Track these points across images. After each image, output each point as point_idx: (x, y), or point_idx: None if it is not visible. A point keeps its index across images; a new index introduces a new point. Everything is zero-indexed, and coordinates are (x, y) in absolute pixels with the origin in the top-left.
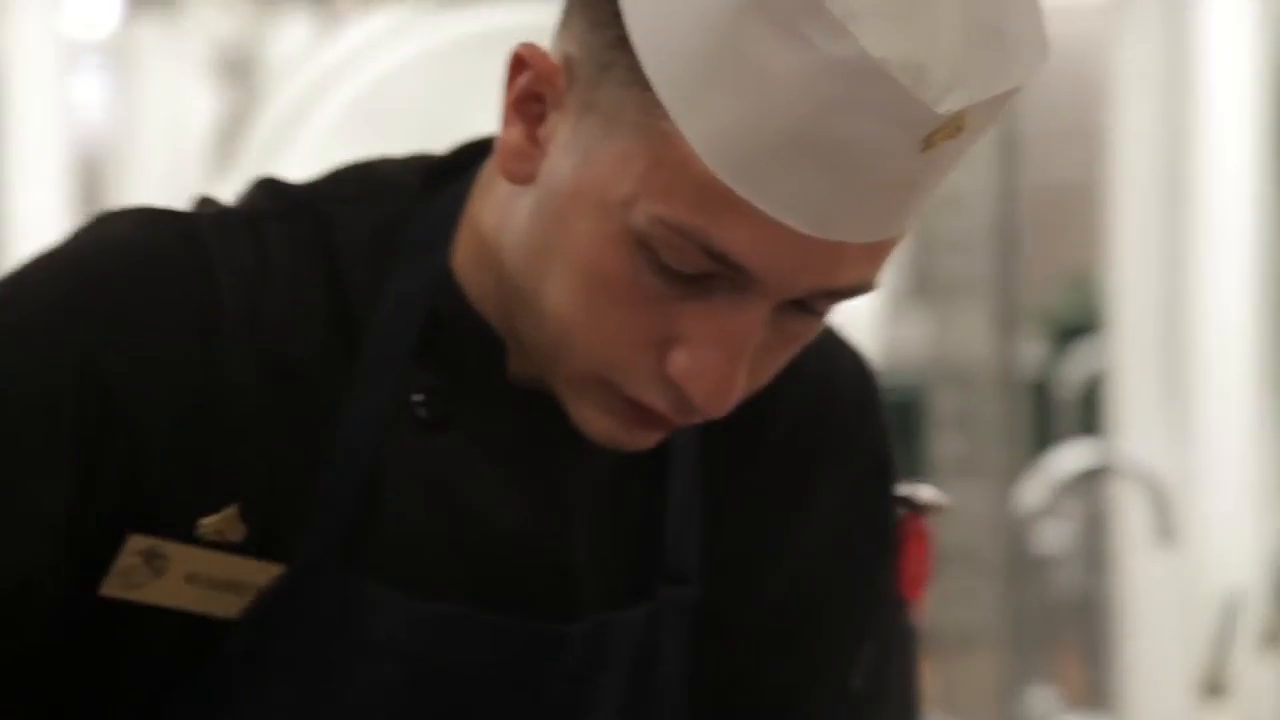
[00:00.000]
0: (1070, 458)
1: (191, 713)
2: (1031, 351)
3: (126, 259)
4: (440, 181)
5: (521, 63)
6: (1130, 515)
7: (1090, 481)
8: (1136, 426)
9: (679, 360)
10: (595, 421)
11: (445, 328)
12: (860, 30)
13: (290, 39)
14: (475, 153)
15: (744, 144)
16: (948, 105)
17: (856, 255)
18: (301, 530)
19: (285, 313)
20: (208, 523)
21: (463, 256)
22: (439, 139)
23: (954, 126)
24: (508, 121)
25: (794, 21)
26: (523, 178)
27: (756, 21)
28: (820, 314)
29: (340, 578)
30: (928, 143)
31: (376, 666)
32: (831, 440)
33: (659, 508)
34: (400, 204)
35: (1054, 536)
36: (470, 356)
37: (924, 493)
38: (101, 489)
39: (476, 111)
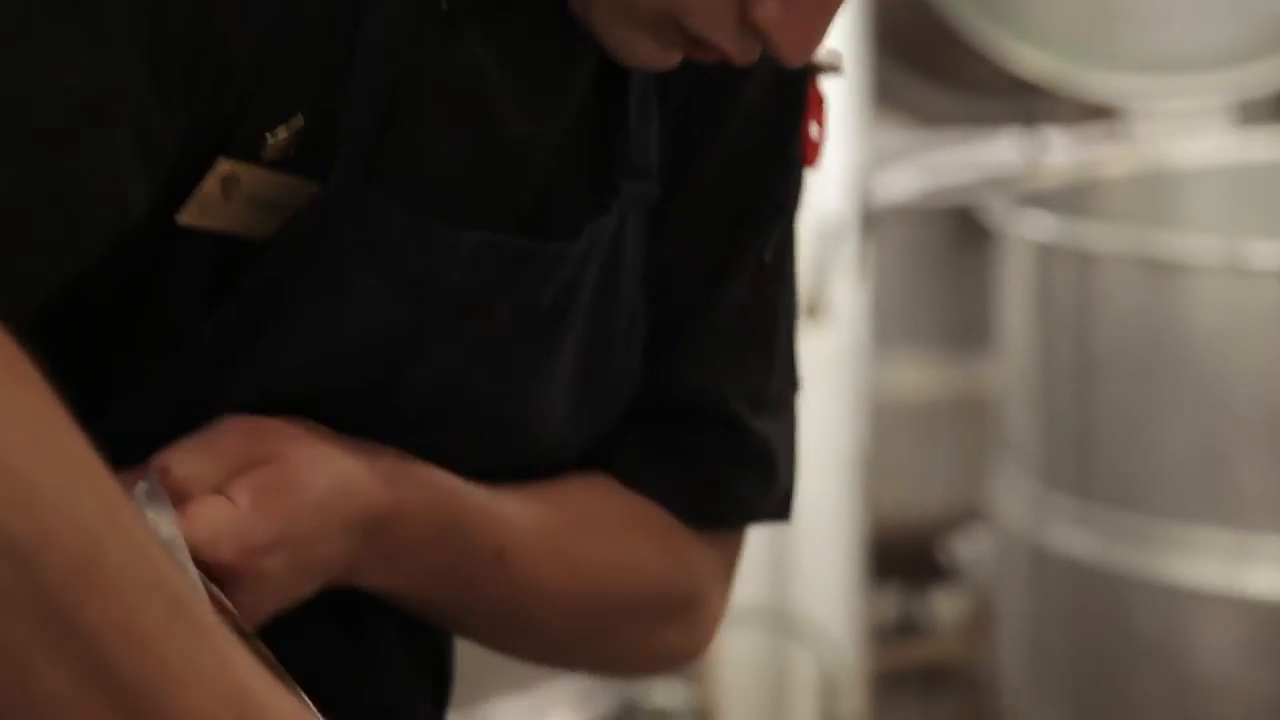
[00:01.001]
0: None
1: (216, 341)
2: None
3: None
4: None
5: None
6: None
7: None
8: None
9: (771, 9)
10: (637, 46)
11: None
12: None
13: None
14: None
15: None
16: None
17: None
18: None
19: None
20: (273, 141)
21: None
22: None
23: None
24: None
25: None
26: None
27: None
28: None
29: (364, 197)
30: None
31: (394, 286)
32: None
33: (619, 103)
34: None
35: None
36: None
37: (819, 53)
38: (197, 104)
39: None
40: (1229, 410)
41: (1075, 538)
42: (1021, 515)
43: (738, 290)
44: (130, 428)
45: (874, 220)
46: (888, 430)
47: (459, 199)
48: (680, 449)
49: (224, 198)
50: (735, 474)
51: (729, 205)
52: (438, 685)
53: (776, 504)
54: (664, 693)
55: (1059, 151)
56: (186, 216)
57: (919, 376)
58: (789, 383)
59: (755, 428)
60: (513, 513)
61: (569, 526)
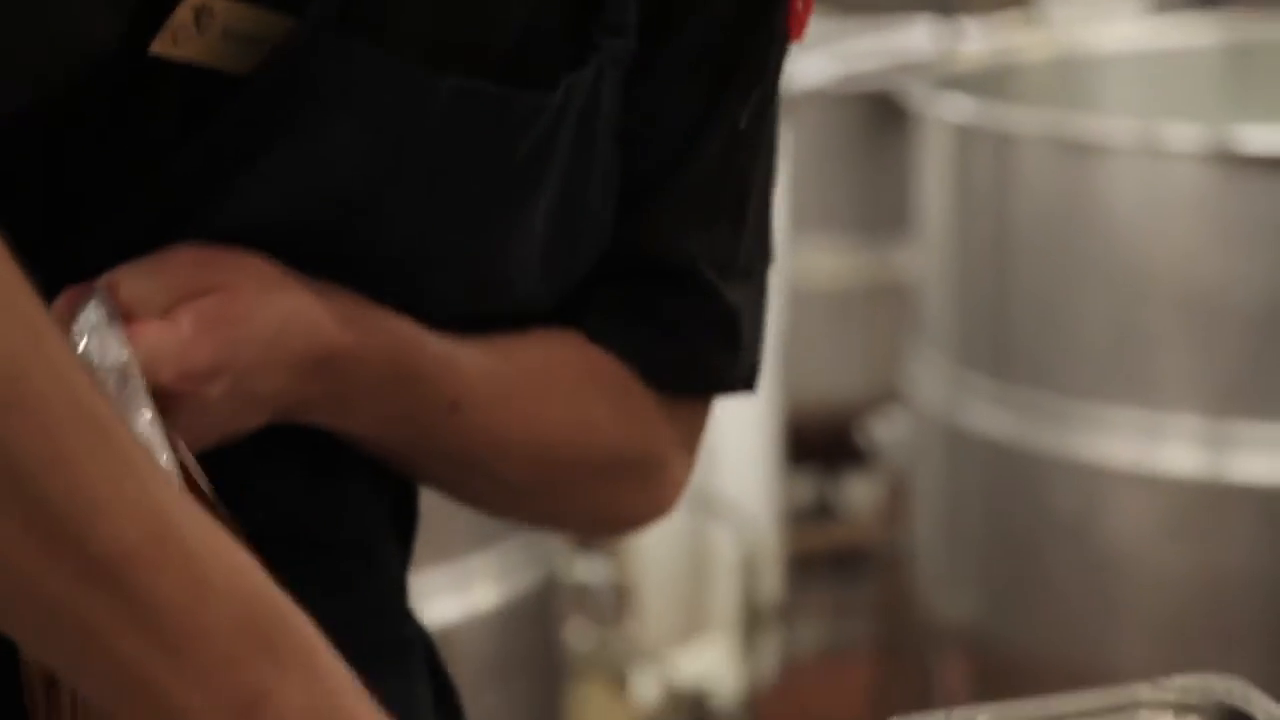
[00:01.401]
0: None
1: (187, 177)
2: None
3: None
4: None
5: None
6: None
7: None
8: None
9: None
10: None
11: None
12: None
13: None
14: None
15: None
16: None
17: None
18: None
19: None
20: None
21: None
22: None
23: None
24: None
25: None
26: None
27: None
28: None
29: (341, 37)
30: None
31: (369, 129)
32: None
33: None
34: None
35: None
36: None
37: None
38: None
39: None
40: (1144, 291)
41: (991, 418)
42: (938, 396)
43: (711, 155)
44: (97, 264)
45: (790, 106)
46: (804, 315)
47: (435, 44)
48: (649, 311)
49: (197, 29)
50: (702, 339)
51: (707, 69)
52: (403, 529)
53: (742, 375)
54: (585, 567)
55: (974, 40)
56: (158, 46)
57: (835, 262)
58: (759, 254)
59: (724, 294)
60: (471, 364)
61: (527, 381)
